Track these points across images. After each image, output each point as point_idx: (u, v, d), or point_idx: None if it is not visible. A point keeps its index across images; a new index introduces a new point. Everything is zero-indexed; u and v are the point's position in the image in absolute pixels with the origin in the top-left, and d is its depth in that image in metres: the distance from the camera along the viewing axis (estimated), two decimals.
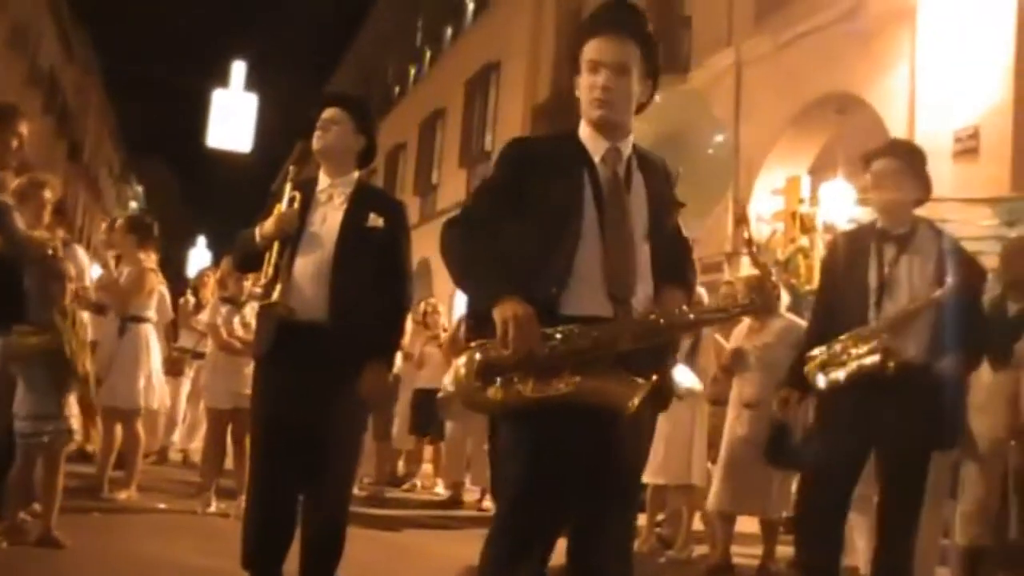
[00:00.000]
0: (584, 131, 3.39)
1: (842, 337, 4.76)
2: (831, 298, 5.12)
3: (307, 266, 4.61)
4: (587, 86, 3.33)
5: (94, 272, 8.70)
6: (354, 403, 4.69)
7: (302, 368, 4.49)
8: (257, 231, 4.71)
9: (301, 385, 4.49)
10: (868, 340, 4.67)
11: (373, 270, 4.65)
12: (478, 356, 3.11)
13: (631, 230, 3.28)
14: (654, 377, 3.10)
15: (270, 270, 4.64)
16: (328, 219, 4.73)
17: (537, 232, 3.22)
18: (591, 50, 3.32)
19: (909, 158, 4.96)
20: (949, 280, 4.64)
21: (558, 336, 3.07)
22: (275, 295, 4.56)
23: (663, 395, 3.31)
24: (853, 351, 4.71)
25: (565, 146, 3.38)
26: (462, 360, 3.17)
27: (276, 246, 4.66)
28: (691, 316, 3.32)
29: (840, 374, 4.72)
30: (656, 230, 3.35)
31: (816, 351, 4.89)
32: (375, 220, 4.73)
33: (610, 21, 3.36)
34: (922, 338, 4.72)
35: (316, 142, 4.86)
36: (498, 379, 3.08)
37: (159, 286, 10.73)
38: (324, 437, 4.55)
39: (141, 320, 8.12)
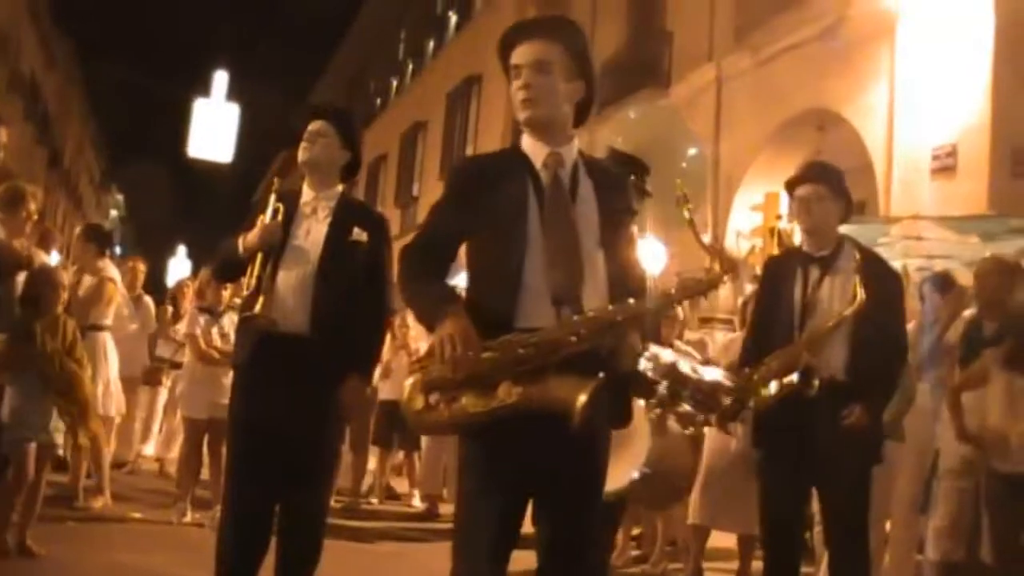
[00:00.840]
0: (525, 141, 3.39)
1: (767, 358, 4.85)
2: (763, 320, 5.23)
3: (290, 279, 4.58)
4: (512, 92, 3.35)
5: None
6: (333, 414, 4.68)
7: (282, 379, 4.47)
8: (240, 242, 4.67)
9: (280, 396, 4.45)
10: (789, 360, 4.77)
11: (355, 283, 4.65)
12: (419, 377, 3.14)
13: (577, 236, 3.23)
14: (600, 375, 3.05)
15: (252, 281, 4.59)
16: (312, 232, 4.70)
17: (488, 246, 3.25)
18: (512, 58, 3.35)
19: (829, 181, 5.05)
20: (860, 295, 4.72)
21: (494, 347, 3.07)
22: (257, 307, 4.52)
23: (620, 406, 3.32)
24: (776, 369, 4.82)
25: (509, 158, 3.39)
26: (408, 382, 3.19)
27: (259, 258, 4.62)
28: (647, 304, 3.28)
29: (771, 391, 4.80)
30: (607, 241, 3.32)
31: (747, 370, 5.00)
32: (359, 234, 4.71)
33: (527, 27, 3.42)
34: (840, 355, 4.80)
35: (302, 154, 4.84)
36: (442, 397, 3.09)
37: (145, 298, 10.80)
38: (302, 448, 4.53)
39: (99, 329, 8.09)
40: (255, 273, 4.60)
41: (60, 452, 6.13)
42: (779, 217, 12.39)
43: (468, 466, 3.22)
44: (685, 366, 5.25)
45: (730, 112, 14.64)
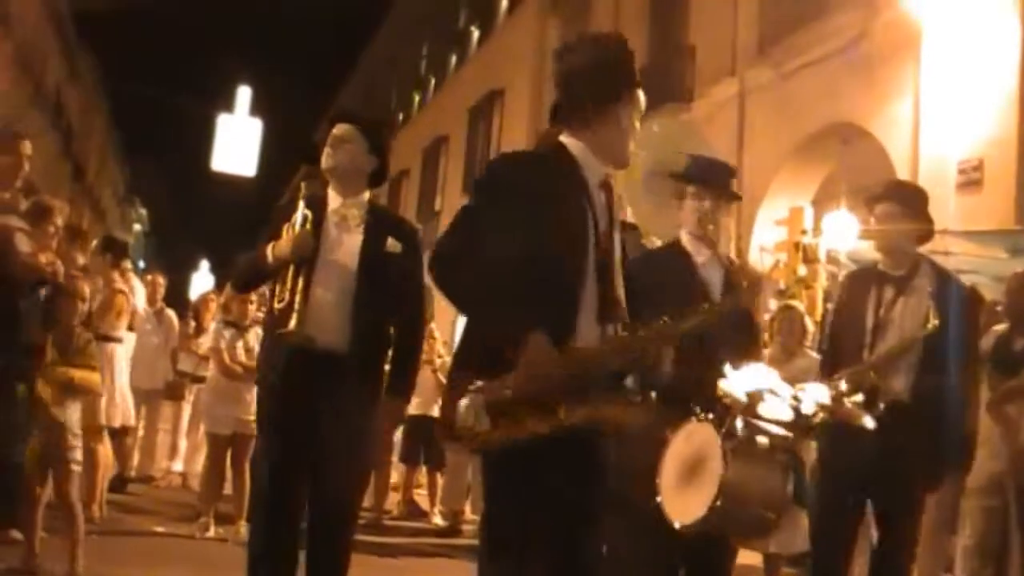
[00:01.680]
0: (581, 151, 3.38)
1: (835, 376, 4.80)
2: (836, 337, 5.28)
3: (328, 294, 4.43)
4: None
5: None
6: (366, 431, 4.59)
7: (315, 395, 4.36)
8: (268, 251, 4.50)
9: (313, 412, 4.37)
10: (857, 380, 4.72)
11: (392, 298, 4.53)
12: (483, 398, 3.04)
13: (615, 254, 3.32)
14: (652, 394, 3.09)
15: (286, 295, 4.42)
16: (345, 244, 4.55)
17: (546, 257, 3.16)
18: None
19: (910, 202, 5.04)
20: (933, 319, 4.68)
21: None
22: (292, 323, 4.35)
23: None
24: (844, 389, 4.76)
25: (563, 166, 3.35)
26: (465, 403, 3.07)
27: (290, 269, 4.46)
28: (677, 324, 3.28)
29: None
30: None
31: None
32: (393, 246, 4.58)
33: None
34: (909, 376, 4.78)
35: (326, 160, 4.68)
36: (507, 419, 3.03)
37: (167, 311, 10.81)
38: (332, 464, 4.43)
39: (110, 340, 8.06)
40: (287, 286, 4.43)
41: (77, 467, 6.06)
42: (804, 232, 12.30)
43: (506, 490, 3.21)
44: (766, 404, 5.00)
45: (753, 126, 14.60)
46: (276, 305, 4.50)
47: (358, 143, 4.69)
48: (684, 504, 3.63)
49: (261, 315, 8.89)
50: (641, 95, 3.43)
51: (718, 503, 3.79)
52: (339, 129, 4.71)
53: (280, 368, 4.47)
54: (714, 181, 4.70)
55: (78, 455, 5.91)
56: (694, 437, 4.04)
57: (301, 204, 4.59)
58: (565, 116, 3.44)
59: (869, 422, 4.58)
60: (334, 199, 4.68)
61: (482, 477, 3.35)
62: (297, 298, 4.39)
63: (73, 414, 5.85)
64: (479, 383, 3.05)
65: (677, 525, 3.88)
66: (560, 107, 3.46)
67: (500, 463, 3.20)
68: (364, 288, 4.45)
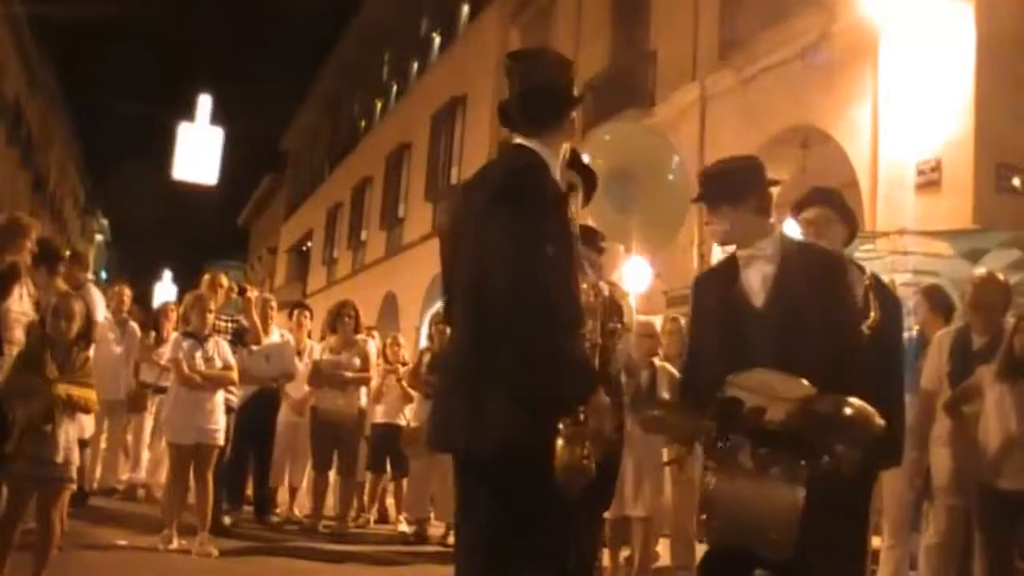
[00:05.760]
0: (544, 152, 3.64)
1: None
2: None
3: None
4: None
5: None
6: None
7: None
8: None
9: None
10: None
11: None
12: (575, 430, 3.37)
13: None
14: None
15: None
16: None
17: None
18: None
19: (835, 203, 5.02)
20: (874, 314, 4.69)
21: None
22: None
23: None
24: None
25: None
26: (563, 442, 3.34)
27: None
28: None
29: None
30: None
31: None
32: None
33: None
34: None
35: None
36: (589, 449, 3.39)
37: (131, 322, 10.71)
38: None
39: None
40: None
41: (72, 486, 5.98)
42: None
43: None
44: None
45: (715, 131, 14.65)
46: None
47: None
48: None
49: (221, 324, 8.89)
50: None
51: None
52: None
53: None
54: None
55: (72, 473, 5.84)
56: None
57: None
58: (519, 124, 3.63)
59: None
60: None
61: (487, 484, 3.42)
62: None
63: (70, 431, 5.79)
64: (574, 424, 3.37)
65: None
66: (513, 116, 3.64)
67: (515, 471, 3.31)
68: None
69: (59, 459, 5.65)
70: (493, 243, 3.30)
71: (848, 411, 3.58)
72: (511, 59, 3.70)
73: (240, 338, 9.18)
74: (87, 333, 6.04)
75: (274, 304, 10.44)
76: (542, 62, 3.72)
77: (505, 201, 3.35)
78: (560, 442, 3.32)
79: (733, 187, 4.23)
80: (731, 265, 4.25)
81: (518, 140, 3.62)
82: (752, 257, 4.13)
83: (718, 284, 4.30)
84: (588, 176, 4.25)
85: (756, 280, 4.10)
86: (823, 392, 3.64)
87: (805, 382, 3.67)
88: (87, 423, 8.18)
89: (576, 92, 3.80)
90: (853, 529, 4.45)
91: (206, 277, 9.63)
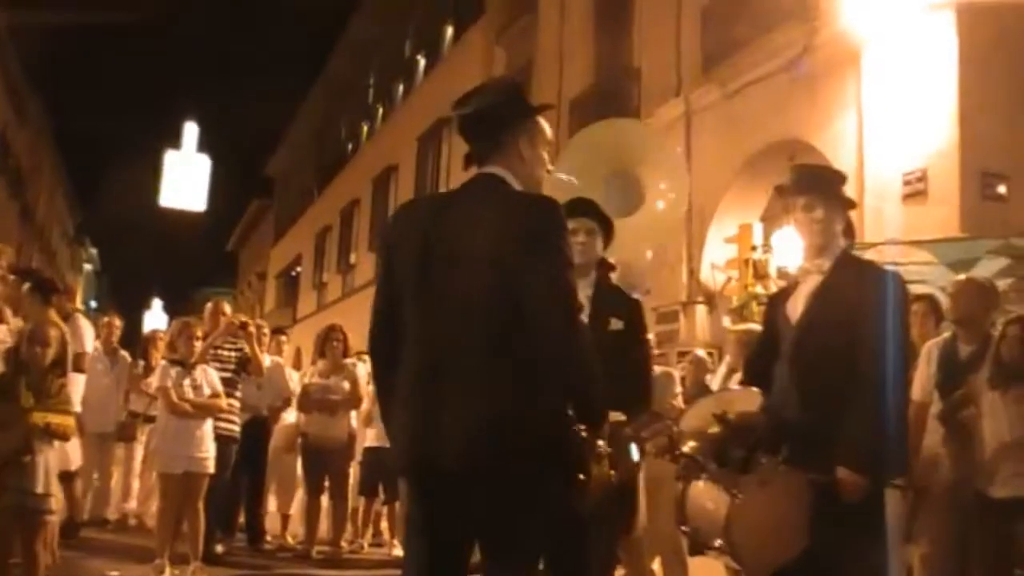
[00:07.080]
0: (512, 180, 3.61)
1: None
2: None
3: None
4: None
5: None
6: None
7: None
8: None
9: None
10: None
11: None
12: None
13: None
14: None
15: None
16: None
17: None
18: None
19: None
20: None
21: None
22: None
23: None
24: None
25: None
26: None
27: None
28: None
29: None
30: None
31: None
32: (616, 324, 4.73)
33: None
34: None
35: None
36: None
37: (121, 352, 10.67)
38: None
39: None
40: None
41: (52, 517, 5.92)
42: (754, 248, 12.39)
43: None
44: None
45: (700, 145, 14.65)
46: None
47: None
48: None
49: (225, 353, 8.84)
50: (543, 124, 3.55)
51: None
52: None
53: None
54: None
55: (52, 504, 5.80)
56: None
57: None
58: (477, 153, 3.55)
59: None
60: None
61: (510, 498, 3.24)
62: None
63: (50, 460, 5.75)
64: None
65: None
66: (472, 148, 3.57)
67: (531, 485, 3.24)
68: None
69: (39, 490, 5.61)
70: (543, 276, 3.22)
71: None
72: (454, 107, 3.64)
73: (244, 367, 9.10)
74: (62, 360, 6.00)
75: (267, 331, 10.42)
76: (479, 92, 3.61)
77: (552, 238, 3.31)
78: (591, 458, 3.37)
79: (828, 185, 4.71)
80: (795, 281, 4.58)
81: (487, 169, 3.50)
82: (808, 272, 4.40)
83: (780, 298, 4.64)
84: (605, 223, 4.77)
85: (803, 293, 4.36)
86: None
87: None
88: (71, 454, 8.15)
89: (516, 106, 3.61)
90: (868, 544, 4.41)
91: (208, 305, 9.61)
